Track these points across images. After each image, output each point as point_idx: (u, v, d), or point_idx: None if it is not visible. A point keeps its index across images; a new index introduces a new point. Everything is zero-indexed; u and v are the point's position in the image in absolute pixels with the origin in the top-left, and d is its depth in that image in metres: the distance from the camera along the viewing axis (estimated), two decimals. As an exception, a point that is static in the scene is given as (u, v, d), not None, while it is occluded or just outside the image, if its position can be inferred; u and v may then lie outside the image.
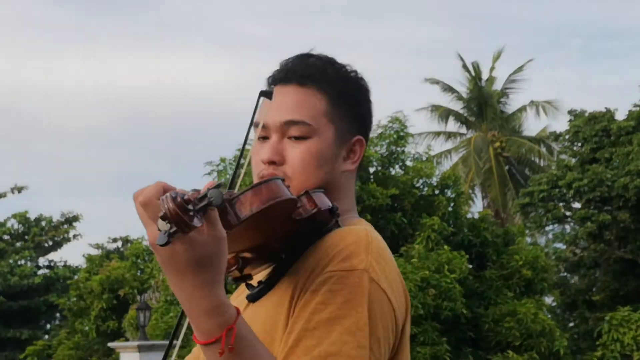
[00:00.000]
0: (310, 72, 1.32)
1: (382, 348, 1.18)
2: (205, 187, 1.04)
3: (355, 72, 1.37)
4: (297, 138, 1.29)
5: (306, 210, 1.21)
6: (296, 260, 1.24)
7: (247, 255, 1.22)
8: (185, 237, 1.00)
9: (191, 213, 0.98)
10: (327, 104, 1.31)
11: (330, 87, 1.32)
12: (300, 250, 1.24)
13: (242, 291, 1.35)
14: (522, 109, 25.06)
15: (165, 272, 1.07)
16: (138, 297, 13.63)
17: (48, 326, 24.86)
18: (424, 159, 13.90)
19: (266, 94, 1.26)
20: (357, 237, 1.22)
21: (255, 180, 1.28)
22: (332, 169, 1.32)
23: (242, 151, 1.26)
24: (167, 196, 0.98)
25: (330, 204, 1.25)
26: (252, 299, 1.27)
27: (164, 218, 0.97)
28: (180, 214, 0.97)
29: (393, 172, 13.34)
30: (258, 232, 1.16)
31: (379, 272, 1.20)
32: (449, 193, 13.40)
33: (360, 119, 1.36)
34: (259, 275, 1.28)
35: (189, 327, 1.13)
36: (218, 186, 1.02)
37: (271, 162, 1.29)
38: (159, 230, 0.98)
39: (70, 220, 24.63)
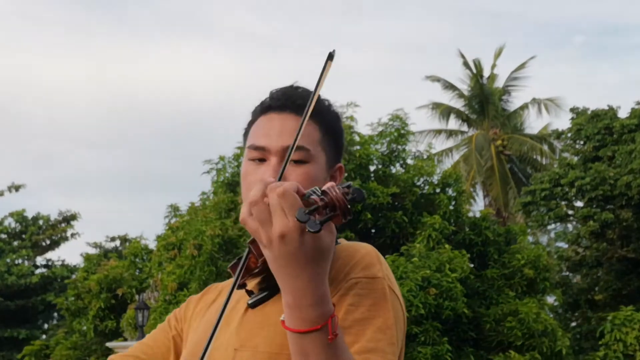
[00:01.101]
0: (304, 101, 1.36)
1: (398, 348, 1.30)
2: (328, 185, 1.11)
3: (333, 104, 1.48)
4: (297, 162, 1.37)
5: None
6: None
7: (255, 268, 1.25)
8: (329, 226, 1.08)
9: (349, 203, 1.07)
10: (320, 133, 1.42)
11: (321, 118, 1.42)
12: None
13: (237, 299, 1.38)
14: (524, 106, 25.02)
15: (282, 268, 1.11)
16: (136, 297, 13.61)
17: (46, 326, 24.82)
18: (425, 157, 13.87)
19: (331, 57, 1.24)
20: (367, 250, 1.34)
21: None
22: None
23: (301, 128, 1.22)
24: (332, 186, 1.08)
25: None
26: (254, 304, 1.31)
27: (321, 207, 1.05)
28: (347, 202, 1.06)
29: (394, 171, 13.31)
30: None
31: (392, 281, 1.33)
32: (450, 191, 13.37)
33: (340, 148, 1.47)
34: (254, 281, 1.31)
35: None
36: (349, 186, 1.10)
37: None
38: (300, 220, 1.03)
39: (68, 219, 24.57)
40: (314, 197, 1.09)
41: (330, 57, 1.22)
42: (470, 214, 14.18)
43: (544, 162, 23.61)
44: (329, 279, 1.21)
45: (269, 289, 1.30)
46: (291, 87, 1.45)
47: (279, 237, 1.09)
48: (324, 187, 1.09)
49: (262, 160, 1.39)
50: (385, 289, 1.29)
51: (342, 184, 1.11)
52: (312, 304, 1.11)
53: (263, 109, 1.44)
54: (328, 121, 1.44)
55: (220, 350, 1.33)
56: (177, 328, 1.52)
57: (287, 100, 1.42)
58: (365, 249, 1.34)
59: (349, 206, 1.07)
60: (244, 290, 1.31)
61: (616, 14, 45.24)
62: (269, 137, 1.39)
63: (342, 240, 1.41)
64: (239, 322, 1.36)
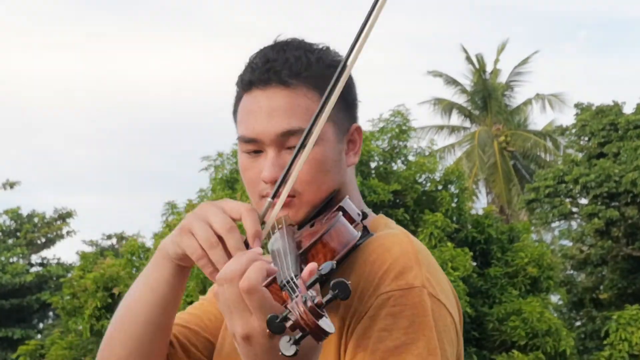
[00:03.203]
0: (293, 68, 1.18)
1: None
2: (310, 268, 0.93)
3: (334, 51, 1.23)
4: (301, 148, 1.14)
5: None
6: (329, 279, 1.11)
7: None
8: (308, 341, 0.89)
9: (324, 316, 0.88)
10: (320, 101, 1.13)
11: (318, 80, 1.17)
12: (336, 270, 1.10)
13: None
14: (528, 102, 25.00)
15: None
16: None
17: (41, 325, 24.68)
18: (427, 153, 13.80)
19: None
20: (403, 248, 1.11)
21: (254, 200, 1.18)
22: (339, 169, 1.21)
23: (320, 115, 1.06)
24: (297, 302, 0.88)
25: (359, 211, 1.15)
26: None
27: (294, 328, 0.87)
28: (317, 322, 0.86)
29: (395, 167, 13.21)
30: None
31: (435, 284, 1.11)
32: (452, 188, 13.26)
33: (352, 104, 1.24)
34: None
35: None
36: (331, 270, 0.90)
37: (275, 181, 1.13)
38: (273, 330, 0.87)
39: (64, 217, 24.45)
40: (294, 303, 0.88)
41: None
42: (473, 212, 14.10)
43: (547, 159, 23.59)
44: (356, 293, 1.08)
45: None
46: (273, 48, 1.21)
47: (243, 339, 0.94)
48: (297, 300, 0.88)
49: (257, 151, 1.19)
50: (423, 302, 1.07)
51: (320, 271, 0.89)
52: None
53: (244, 85, 1.21)
54: (327, 80, 1.14)
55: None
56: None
57: (270, 72, 1.18)
58: (399, 249, 1.11)
59: (321, 324, 0.87)
60: None
61: (621, 8, 45.06)
62: (258, 125, 1.17)
63: (380, 220, 1.21)
64: None
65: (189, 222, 1.10)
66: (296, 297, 0.88)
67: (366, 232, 1.15)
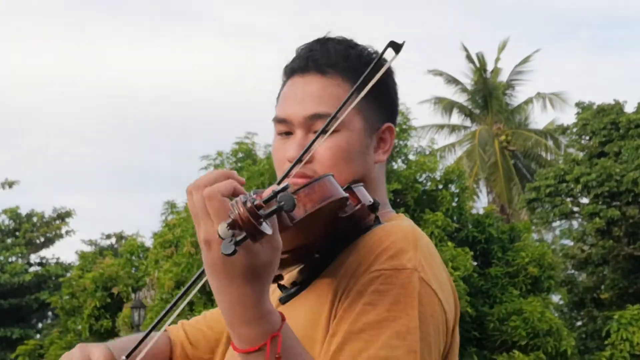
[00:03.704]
0: (331, 59, 1.26)
1: (433, 353, 1.12)
2: (270, 189, 0.99)
3: (377, 53, 1.29)
4: (325, 133, 1.21)
5: (350, 206, 1.16)
6: (334, 259, 1.18)
7: (286, 256, 1.14)
8: (250, 246, 0.96)
9: (261, 219, 0.93)
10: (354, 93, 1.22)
11: (354, 73, 1.24)
12: (340, 248, 1.19)
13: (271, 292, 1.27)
14: (529, 101, 24.94)
15: (209, 275, 1.00)
16: (132, 295, 13.56)
17: (40, 325, 24.69)
18: (427, 152, 13.79)
19: (395, 47, 1.12)
20: (404, 234, 1.15)
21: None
22: (364, 162, 1.26)
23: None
24: (237, 201, 0.94)
25: (372, 200, 1.19)
26: (284, 300, 1.23)
27: (233, 225, 0.93)
28: (253, 222, 0.93)
29: (395, 167, 13.16)
30: (303, 233, 1.11)
31: (429, 271, 1.14)
32: (452, 188, 13.24)
33: (387, 104, 1.29)
34: (291, 275, 1.24)
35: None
36: (285, 189, 0.96)
37: (298, 161, 1.19)
38: (220, 236, 0.93)
39: (63, 216, 24.42)
40: (234, 202, 0.94)
41: (396, 48, 1.07)
42: (474, 211, 14.08)
43: (548, 158, 23.53)
44: (350, 271, 1.13)
45: (301, 283, 1.21)
46: (318, 41, 1.29)
47: (204, 242, 0.98)
48: (238, 200, 0.94)
49: (288, 133, 1.26)
50: (412, 283, 1.10)
51: (275, 190, 0.96)
52: (246, 322, 1.00)
53: (287, 73, 1.30)
54: (365, 76, 1.21)
55: None
56: None
57: (309, 60, 1.26)
58: (401, 233, 1.15)
59: (257, 225, 0.92)
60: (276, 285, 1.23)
61: (622, 7, 44.95)
62: (290, 107, 1.25)
63: (397, 216, 1.27)
64: None
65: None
66: (239, 198, 0.94)
67: (377, 221, 1.20)
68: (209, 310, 1.45)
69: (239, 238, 0.92)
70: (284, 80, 1.30)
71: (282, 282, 1.23)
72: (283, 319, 1.04)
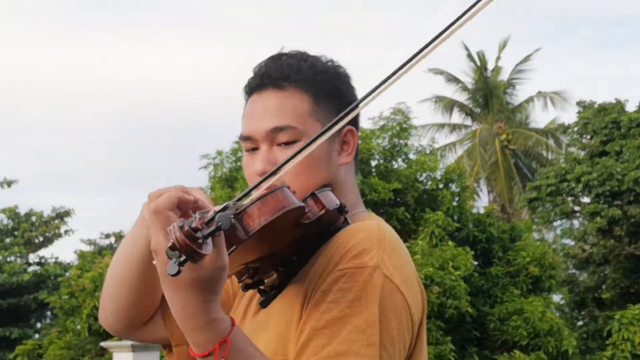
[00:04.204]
0: (285, 73, 1.32)
1: (397, 346, 1.17)
2: (212, 210, 1.04)
3: (331, 60, 1.36)
4: (287, 143, 1.30)
5: (314, 212, 1.22)
6: (307, 262, 1.25)
7: (256, 264, 1.23)
8: (217, 255, 1.03)
9: (200, 241, 0.99)
10: (310, 102, 1.31)
11: (308, 84, 1.31)
12: (311, 251, 1.25)
13: (252, 296, 1.37)
14: (529, 100, 24.89)
15: (161, 282, 1.08)
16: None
17: (38, 325, 24.57)
18: (428, 151, 13.73)
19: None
20: (368, 233, 1.21)
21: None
22: (329, 167, 1.32)
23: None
24: (174, 226, 0.99)
25: (338, 202, 1.25)
26: (264, 304, 1.29)
27: (172, 248, 0.99)
28: (190, 245, 0.99)
29: (396, 166, 13.14)
30: (267, 242, 1.17)
31: (392, 268, 1.19)
32: (453, 187, 13.21)
33: (346, 108, 1.26)
34: (271, 279, 1.29)
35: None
36: (225, 208, 1.03)
37: (265, 174, 1.22)
38: (168, 256, 1.00)
39: (62, 216, 24.32)
40: (171, 227, 1.01)
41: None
42: (474, 210, 14.05)
43: (549, 157, 23.50)
44: (318, 272, 1.19)
45: (277, 286, 1.27)
46: (272, 57, 1.35)
47: (153, 252, 1.06)
48: (174, 225, 1.00)
49: (255, 149, 1.33)
50: (374, 280, 1.16)
51: (216, 210, 1.02)
52: (196, 329, 1.08)
53: (246, 92, 1.37)
54: (319, 86, 1.31)
55: None
56: (232, 286, 1.47)
57: (264, 77, 1.32)
58: (365, 234, 1.21)
59: (196, 248, 0.99)
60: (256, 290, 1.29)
61: (624, 5, 44.84)
62: (252, 124, 1.32)
63: (367, 216, 1.33)
64: (249, 324, 1.32)
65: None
66: (176, 223, 1.00)
67: (346, 222, 1.26)
68: None
69: (182, 259, 0.99)
70: (246, 99, 1.37)
71: (262, 287, 1.28)
72: (233, 324, 1.11)
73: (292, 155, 1.15)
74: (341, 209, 1.25)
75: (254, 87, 1.34)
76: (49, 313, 23.30)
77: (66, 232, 24.35)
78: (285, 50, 1.36)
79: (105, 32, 43.89)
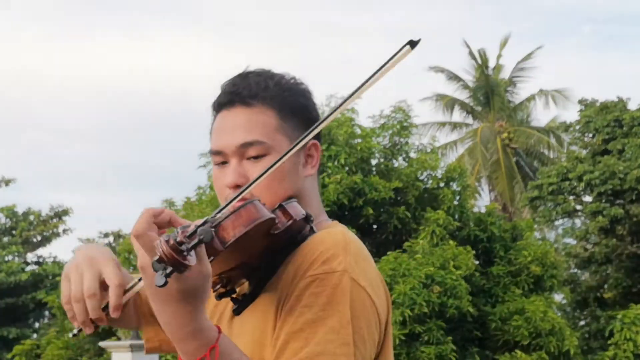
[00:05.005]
0: (252, 91, 1.39)
1: (367, 344, 1.25)
2: (193, 224, 1.10)
3: (294, 78, 1.44)
4: (256, 157, 1.36)
5: (282, 223, 1.29)
6: (276, 270, 1.31)
7: (230, 274, 1.30)
8: (179, 275, 1.09)
9: (185, 253, 1.07)
10: (277, 118, 1.38)
11: (275, 101, 1.39)
12: (280, 260, 1.32)
13: (225, 304, 1.42)
14: (531, 98, 24.86)
15: (149, 296, 1.15)
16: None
17: (36, 325, 24.64)
18: (429, 150, 13.65)
19: (413, 44, 1.21)
20: (335, 240, 1.28)
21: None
22: (295, 178, 1.40)
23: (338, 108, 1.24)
24: (160, 241, 1.07)
25: (304, 213, 1.32)
26: (237, 312, 1.35)
27: (160, 261, 1.06)
28: (176, 257, 1.06)
29: (396, 164, 13.12)
30: (240, 253, 1.24)
31: (358, 271, 1.26)
32: (454, 186, 13.17)
33: (310, 123, 1.39)
34: (242, 288, 1.36)
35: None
36: (205, 223, 1.09)
37: (236, 186, 1.35)
38: (154, 269, 1.07)
39: (60, 215, 24.31)
40: (157, 242, 1.08)
41: (412, 44, 1.16)
42: (475, 209, 14.02)
43: (551, 156, 23.47)
44: (289, 279, 1.27)
45: (249, 294, 1.33)
46: (239, 75, 1.43)
47: (140, 269, 1.13)
48: (161, 240, 1.07)
49: (224, 162, 1.39)
50: (343, 283, 1.24)
51: (197, 224, 1.09)
52: (185, 337, 1.15)
53: (215, 108, 1.43)
54: (284, 101, 1.39)
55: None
56: None
57: (233, 94, 1.40)
58: (331, 240, 1.28)
59: (182, 260, 1.06)
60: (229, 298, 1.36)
61: (626, 2, 44.66)
62: (222, 139, 1.39)
63: (333, 224, 1.40)
64: (224, 331, 1.30)
65: (71, 269, 1.29)
66: (162, 237, 1.08)
67: (312, 231, 1.33)
68: None
69: (168, 271, 1.06)
70: (214, 115, 1.43)
71: (234, 296, 1.35)
72: (219, 331, 1.17)
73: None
74: (307, 219, 1.32)
75: (223, 104, 1.40)
76: (47, 313, 23.31)
77: (64, 231, 24.35)
78: (252, 69, 1.43)
79: (104, 30, 43.88)
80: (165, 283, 1.05)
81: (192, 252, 1.08)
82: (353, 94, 1.20)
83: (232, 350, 1.19)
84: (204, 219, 1.11)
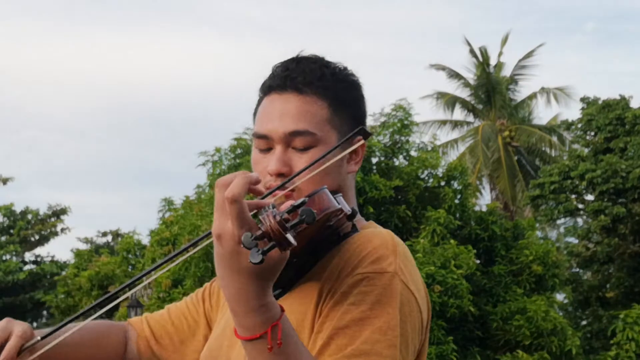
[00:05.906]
0: (307, 78, 1.35)
1: (410, 349, 1.24)
2: (288, 203, 1.09)
3: (347, 69, 1.40)
4: (303, 149, 1.33)
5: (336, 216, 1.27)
6: (315, 264, 1.29)
7: None
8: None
9: (288, 232, 1.05)
10: (329, 111, 1.35)
11: (329, 92, 1.35)
12: (322, 252, 1.28)
13: None
14: (532, 96, 24.85)
15: (217, 265, 1.11)
16: (129, 294, 13.36)
17: (34, 324, 24.62)
18: (429, 148, 13.64)
19: (365, 134, 1.28)
20: (383, 240, 1.26)
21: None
22: (339, 174, 1.38)
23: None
24: (268, 214, 1.04)
25: (350, 209, 1.29)
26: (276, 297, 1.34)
27: (262, 236, 1.03)
28: (283, 234, 1.04)
29: (397, 163, 13.09)
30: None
31: (407, 275, 1.25)
32: (455, 185, 13.14)
33: (359, 119, 1.39)
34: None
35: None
36: (303, 203, 1.06)
37: (279, 174, 1.32)
38: (244, 244, 1.03)
39: (58, 214, 24.34)
40: (265, 216, 1.05)
41: (365, 135, 1.20)
42: (477, 208, 13.96)
43: (553, 154, 23.46)
44: (334, 275, 1.24)
45: (284, 286, 1.30)
46: (293, 60, 1.38)
47: (216, 236, 1.09)
48: (268, 214, 1.04)
49: (269, 149, 1.36)
50: (393, 285, 1.22)
51: (294, 204, 1.06)
52: (249, 311, 1.11)
53: (264, 90, 1.39)
54: (339, 94, 1.36)
55: (237, 349, 1.31)
56: (210, 301, 1.50)
57: (287, 79, 1.35)
58: (381, 239, 1.27)
59: (287, 236, 1.04)
60: None
61: (629, 0, 44.57)
62: (270, 124, 1.34)
63: (370, 224, 1.38)
64: None
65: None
66: (268, 211, 1.04)
67: (355, 229, 1.30)
68: (173, 304, 1.55)
69: (266, 248, 1.02)
70: (261, 97, 1.39)
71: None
72: (282, 310, 1.13)
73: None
74: (352, 216, 1.28)
75: (274, 87, 1.36)
76: (45, 312, 23.37)
77: (62, 230, 24.37)
78: (305, 54, 1.39)
79: (103, 28, 43.84)
80: (262, 260, 1.01)
81: (293, 231, 1.05)
82: (302, 170, 1.22)
83: (293, 332, 1.17)
84: (302, 199, 1.07)
